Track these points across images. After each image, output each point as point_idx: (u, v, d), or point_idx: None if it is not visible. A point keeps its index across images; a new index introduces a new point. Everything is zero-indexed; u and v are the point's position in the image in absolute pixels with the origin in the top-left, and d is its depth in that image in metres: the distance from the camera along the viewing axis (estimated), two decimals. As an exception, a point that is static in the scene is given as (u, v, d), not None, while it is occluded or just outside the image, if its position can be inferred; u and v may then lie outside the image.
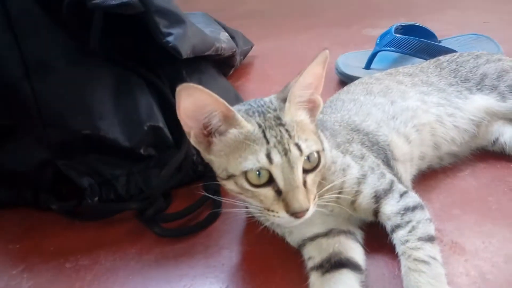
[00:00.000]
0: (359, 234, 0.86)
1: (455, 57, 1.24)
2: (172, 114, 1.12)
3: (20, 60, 0.98)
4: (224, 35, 1.43)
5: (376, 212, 0.84)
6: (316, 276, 0.78)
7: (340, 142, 0.92)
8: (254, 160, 0.71)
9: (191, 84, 0.70)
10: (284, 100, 0.76)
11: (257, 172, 0.72)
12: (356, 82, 1.22)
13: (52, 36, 1.02)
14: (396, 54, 1.59)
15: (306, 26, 2.38)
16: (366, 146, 0.94)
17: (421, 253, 0.74)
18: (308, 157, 0.74)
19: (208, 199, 1.04)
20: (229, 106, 0.73)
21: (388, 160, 0.95)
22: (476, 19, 2.14)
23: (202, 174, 1.12)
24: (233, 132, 0.74)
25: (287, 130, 0.73)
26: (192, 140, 0.78)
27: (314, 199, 0.75)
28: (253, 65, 1.90)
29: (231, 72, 1.69)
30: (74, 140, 1.01)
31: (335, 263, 0.78)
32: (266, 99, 0.80)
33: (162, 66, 1.16)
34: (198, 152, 1.13)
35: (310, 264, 0.80)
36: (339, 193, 0.84)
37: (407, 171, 0.99)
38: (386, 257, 0.83)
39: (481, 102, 1.09)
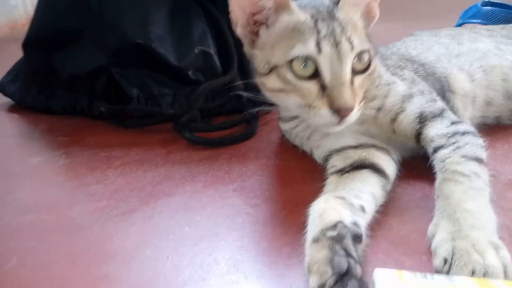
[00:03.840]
0: (395, 154, 0.76)
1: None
2: (225, 47, 1.16)
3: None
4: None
5: (418, 135, 0.74)
6: (334, 177, 0.70)
7: (389, 65, 0.84)
8: (302, 47, 0.67)
9: None
10: (337, 2, 0.72)
11: (303, 63, 0.67)
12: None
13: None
14: (480, 28, 1.44)
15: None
16: (420, 75, 0.85)
17: (461, 167, 0.63)
18: (359, 57, 0.69)
19: (244, 121, 1.02)
20: None
21: (443, 92, 0.84)
22: None
23: (245, 105, 1.11)
24: (283, 19, 0.71)
25: (340, 25, 0.69)
26: (238, 31, 0.76)
27: (360, 103, 0.69)
28: None
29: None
30: (129, 49, 1.07)
31: (358, 166, 0.70)
32: None
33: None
34: (245, 84, 1.15)
35: (331, 170, 0.73)
36: (379, 110, 0.76)
37: (467, 110, 0.87)
38: (423, 183, 0.73)
39: None
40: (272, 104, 0.96)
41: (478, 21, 1.41)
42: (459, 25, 1.45)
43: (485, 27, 1.09)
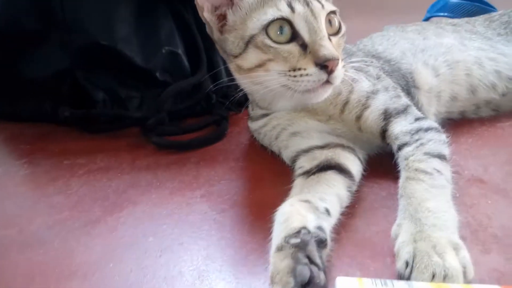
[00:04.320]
0: (361, 152, 0.77)
1: (508, 11, 1.11)
2: (193, 46, 1.14)
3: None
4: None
5: (383, 132, 0.75)
6: (301, 179, 0.70)
7: (354, 61, 0.84)
8: (274, 10, 0.68)
9: None
10: None
11: (279, 29, 0.67)
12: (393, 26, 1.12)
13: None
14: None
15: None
16: (385, 71, 0.85)
17: (424, 165, 0.63)
18: (330, 20, 0.70)
19: (213, 122, 1.01)
20: None
21: (408, 88, 0.85)
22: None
23: (214, 106, 1.10)
24: None
25: None
26: (205, 15, 0.76)
27: (341, 61, 0.69)
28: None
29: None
30: (93, 51, 1.03)
31: (323, 167, 0.70)
32: None
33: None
34: (214, 86, 1.13)
35: (298, 172, 0.72)
36: (344, 105, 0.76)
37: (432, 106, 0.88)
38: (389, 181, 0.73)
39: (532, 51, 0.95)
40: (241, 105, 0.95)
41: (445, 14, 1.43)
42: (427, 18, 1.47)
43: (451, 21, 1.10)
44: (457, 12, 1.41)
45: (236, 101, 0.94)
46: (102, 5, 1.04)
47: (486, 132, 0.89)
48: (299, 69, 0.66)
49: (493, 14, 1.12)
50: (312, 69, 0.65)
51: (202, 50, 1.12)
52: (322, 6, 0.70)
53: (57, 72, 1.06)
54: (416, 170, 0.63)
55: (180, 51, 1.11)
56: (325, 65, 0.65)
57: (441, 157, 0.66)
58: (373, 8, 2.33)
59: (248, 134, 0.96)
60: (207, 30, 0.79)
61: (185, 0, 1.15)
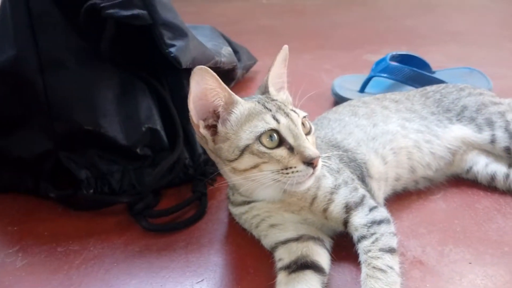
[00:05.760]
0: (328, 242, 0.93)
1: (440, 88, 1.31)
2: (169, 119, 1.23)
3: (36, 55, 1.08)
4: (226, 50, 1.52)
5: (345, 222, 0.91)
6: (283, 275, 0.85)
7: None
8: (264, 123, 0.84)
9: (204, 67, 0.83)
10: (265, 92, 0.96)
11: (269, 137, 0.83)
12: (345, 103, 1.30)
13: (67, 36, 1.12)
14: (389, 81, 1.67)
15: (312, 47, 2.48)
16: (344, 162, 1.02)
17: (380, 262, 0.81)
18: (303, 123, 0.88)
19: (194, 200, 1.12)
20: (231, 91, 0.88)
21: (363, 177, 1.02)
22: (476, 54, 2.22)
23: (192, 177, 1.21)
24: (237, 110, 0.88)
25: (280, 102, 0.90)
26: (202, 132, 0.89)
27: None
28: (255, 79, 1.99)
29: (232, 85, 1.79)
30: (77, 135, 1.10)
31: (301, 265, 0.85)
32: (252, 96, 0.96)
33: (165, 74, 1.25)
34: (191, 156, 1.24)
35: (279, 264, 0.87)
36: (313, 199, 0.92)
37: (381, 189, 1.06)
38: (351, 265, 0.90)
39: (459, 132, 1.16)
40: (218, 174, 1.06)
41: (386, 75, 1.63)
42: (370, 77, 1.66)
43: (393, 98, 1.28)
44: (396, 74, 1.61)
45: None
46: (86, 89, 1.11)
47: (422, 206, 1.08)
48: (290, 167, 0.82)
49: (428, 89, 1.32)
50: (301, 167, 0.82)
51: (179, 124, 1.22)
52: (298, 115, 0.88)
53: (40, 153, 1.11)
54: (374, 268, 0.80)
55: (158, 127, 1.20)
56: (311, 163, 0.81)
57: (391, 251, 0.84)
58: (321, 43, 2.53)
59: (226, 211, 1.08)
60: (201, 142, 0.91)
61: (160, 77, 1.25)
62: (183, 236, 1.02)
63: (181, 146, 1.20)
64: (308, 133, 0.88)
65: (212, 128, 0.90)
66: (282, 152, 0.83)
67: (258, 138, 0.83)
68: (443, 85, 1.34)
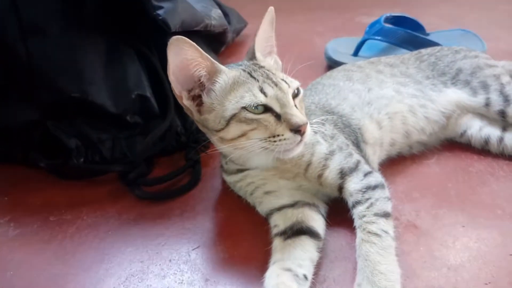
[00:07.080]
0: (323, 207, 0.93)
1: (435, 50, 1.29)
2: (159, 85, 1.19)
3: (18, 23, 1.02)
4: (216, 12, 1.46)
5: (340, 188, 0.91)
6: (279, 241, 0.85)
7: (313, 122, 0.98)
8: (251, 96, 0.81)
9: (181, 37, 0.78)
10: (252, 57, 0.91)
11: (256, 107, 0.81)
12: (339, 68, 1.27)
13: (49, 2, 1.05)
14: (384, 44, 1.63)
15: (303, 8, 2.41)
16: (338, 128, 1.01)
17: (374, 227, 0.81)
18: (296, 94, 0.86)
19: (188, 168, 1.11)
20: (213, 60, 0.83)
21: (358, 142, 1.01)
22: (469, 16, 2.18)
23: (184, 145, 1.19)
24: (221, 80, 0.84)
25: (268, 70, 0.86)
26: (185, 103, 0.86)
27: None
28: (245, 43, 1.94)
29: (223, 49, 1.73)
30: (64, 103, 1.06)
31: (297, 231, 0.85)
32: (239, 62, 0.92)
33: (153, 38, 1.20)
34: (183, 123, 1.21)
35: (275, 231, 0.87)
36: (308, 166, 0.91)
37: (376, 154, 1.05)
38: (346, 230, 0.90)
39: (453, 95, 1.15)
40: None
41: (380, 38, 1.60)
42: (364, 40, 1.62)
43: (388, 62, 1.25)
44: (390, 37, 1.58)
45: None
46: (70, 56, 1.06)
47: (416, 171, 1.09)
48: (278, 135, 0.80)
49: (422, 52, 1.30)
50: (288, 134, 0.80)
51: (169, 90, 1.18)
52: (289, 85, 0.85)
53: (26, 123, 1.07)
54: (368, 232, 0.80)
55: (148, 93, 1.16)
56: (299, 130, 0.80)
57: (386, 215, 0.84)
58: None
59: (220, 178, 1.08)
60: (187, 112, 0.88)
61: (150, 43, 1.20)
62: (178, 204, 1.01)
63: (172, 113, 1.17)
64: (295, 96, 0.85)
65: (199, 99, 0.86)
66: (268, 117, 0.81)
67: (244, 108, 0.81)
68: (438, 48, 1.32)
